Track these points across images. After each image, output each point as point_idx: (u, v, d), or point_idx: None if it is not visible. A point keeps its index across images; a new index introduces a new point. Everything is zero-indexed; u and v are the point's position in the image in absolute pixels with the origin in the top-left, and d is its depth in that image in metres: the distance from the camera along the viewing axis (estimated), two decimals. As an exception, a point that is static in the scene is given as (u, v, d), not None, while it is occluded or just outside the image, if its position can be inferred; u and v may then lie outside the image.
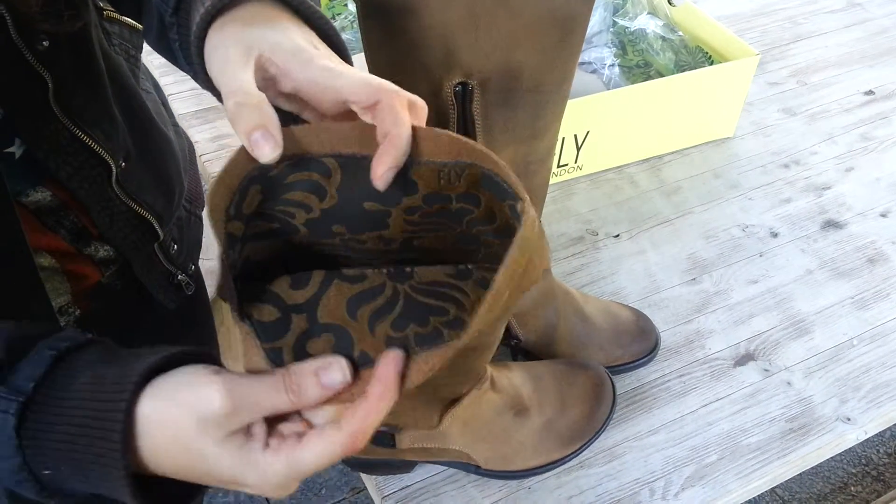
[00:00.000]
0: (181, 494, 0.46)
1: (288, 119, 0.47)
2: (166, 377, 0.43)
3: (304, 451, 0.41)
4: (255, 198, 0.45)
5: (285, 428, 0.43)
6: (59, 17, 0.58)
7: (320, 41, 0.48)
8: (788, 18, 1.50)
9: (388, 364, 0.42)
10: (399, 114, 0.44)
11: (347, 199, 0.47)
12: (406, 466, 0.79)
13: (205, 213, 0.63)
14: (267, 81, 0.46)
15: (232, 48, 0.45)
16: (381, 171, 0.44)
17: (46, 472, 0.43)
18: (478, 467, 0.78)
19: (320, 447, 0.41)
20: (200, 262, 0.89)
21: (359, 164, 0.45)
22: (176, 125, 0.84)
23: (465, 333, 0.42)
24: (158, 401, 0.42)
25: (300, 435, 0.42)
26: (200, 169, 1.14)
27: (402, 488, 0.79)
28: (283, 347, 0.44)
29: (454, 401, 0.72)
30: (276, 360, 0.43)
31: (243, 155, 0.43)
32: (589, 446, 0.82)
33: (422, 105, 0.46)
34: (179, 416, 0.41)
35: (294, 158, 0.44)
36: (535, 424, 0.78)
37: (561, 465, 0.80)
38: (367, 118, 0.45)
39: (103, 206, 0.67)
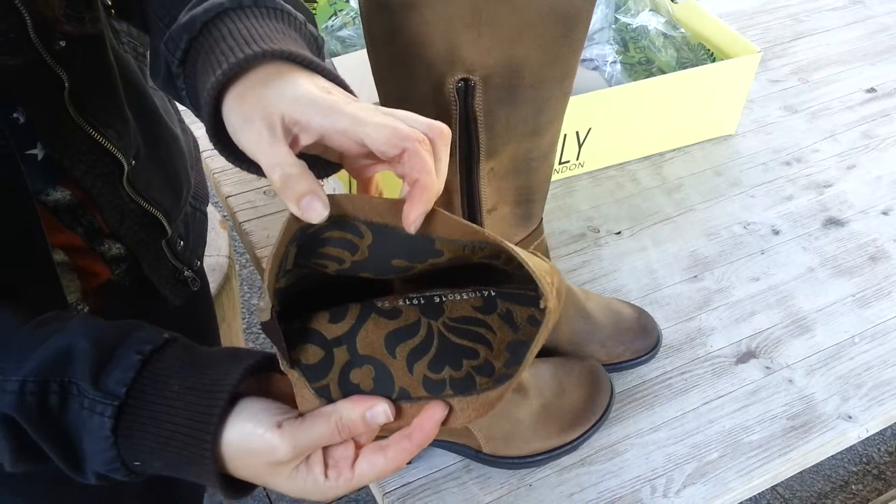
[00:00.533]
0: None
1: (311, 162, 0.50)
2: (242, 413, 0.48)
3: (358, 478, 0.49)
4: (292, 253, 0.48)
5: (337, 453, 0.49)
6: (82, 20, 0.59)
7: (331, 84, 0.49)
8: (790, 16, 1.50)
9: (431, 417, 0.48)
10: (426, 161, 0.46)
11: (377, 255, 0.50)
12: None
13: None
14: (292, 139, 0.47)
15: (258, 122, 0.46)
16: (413, 218, 0.46)
17: (137, 463, 0.49)
18: (478, 451, 0.78)
19: (369, 475, 0.49)
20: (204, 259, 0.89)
21: (389, 232, 0.48)
22: (182, 122, 0.84)
23: (497, 390, 0.48)
24: (235, 437, 0.48)
25: (349, 459, 0.49)
26: (203, 165, 1.14)
27: (404, 485, 0.79)
28: (330, 384, 0.49)
29: None
30: (325, 395, 0.49)
31: (289, 225, 0.46)
32: (588, 438, 0.82)
33: (447, 132, 0.48)
34: (251, 460, 0.48)
35: (331, 219, 0.47)
36: (534, 405, 0.79)
37: (560, 454, 0.81)
38: (387, 160, 0.48)
39: (115, 203, 0.68)
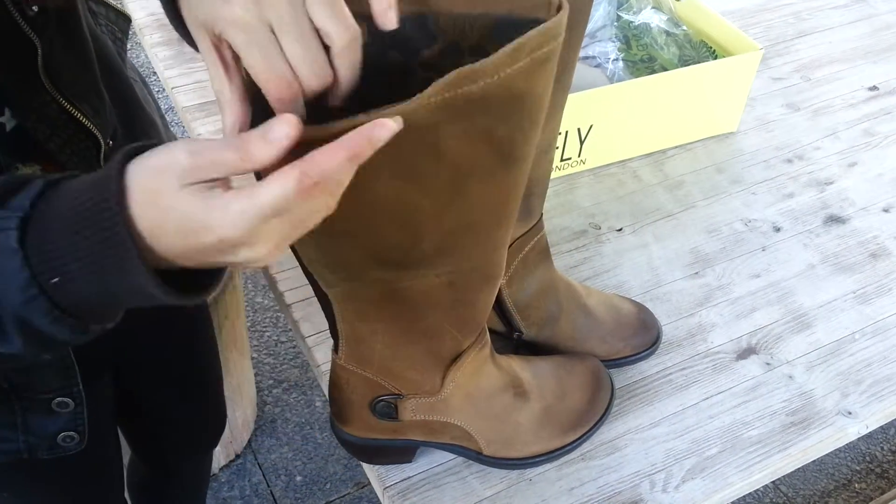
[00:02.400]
0: (196, 286, 0.47)
1: None
2: (139, 159, 0.44)
3: (261, 188, 0.42)
4: None
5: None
6: None
7: None
8: (793, 14, 1.50)
9: (373, 126, 0.43)
10: None
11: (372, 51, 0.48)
12: (407, 453, 0.79)
13: None
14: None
15: (200, 34, 0.46)
16: (381, 9, 0.45)
17: (55, 280, 0.44)
18: (479, 453, 0.78)
19: (276, 183, 0.41)
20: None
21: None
22: (163, 117, 0.84)
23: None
24: (136, 168, 0.43)
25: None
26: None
27: (404, 479, 0.80)
28: None
29: (455, 361, 0.72)
30: None
31: None
32: (589, 437, 0.82)
33: None
34: (152, 176, 0.43)
35: None
36: (535, 409, 0.79)
37: (561, 454, 0.81)
38: None
39: None
